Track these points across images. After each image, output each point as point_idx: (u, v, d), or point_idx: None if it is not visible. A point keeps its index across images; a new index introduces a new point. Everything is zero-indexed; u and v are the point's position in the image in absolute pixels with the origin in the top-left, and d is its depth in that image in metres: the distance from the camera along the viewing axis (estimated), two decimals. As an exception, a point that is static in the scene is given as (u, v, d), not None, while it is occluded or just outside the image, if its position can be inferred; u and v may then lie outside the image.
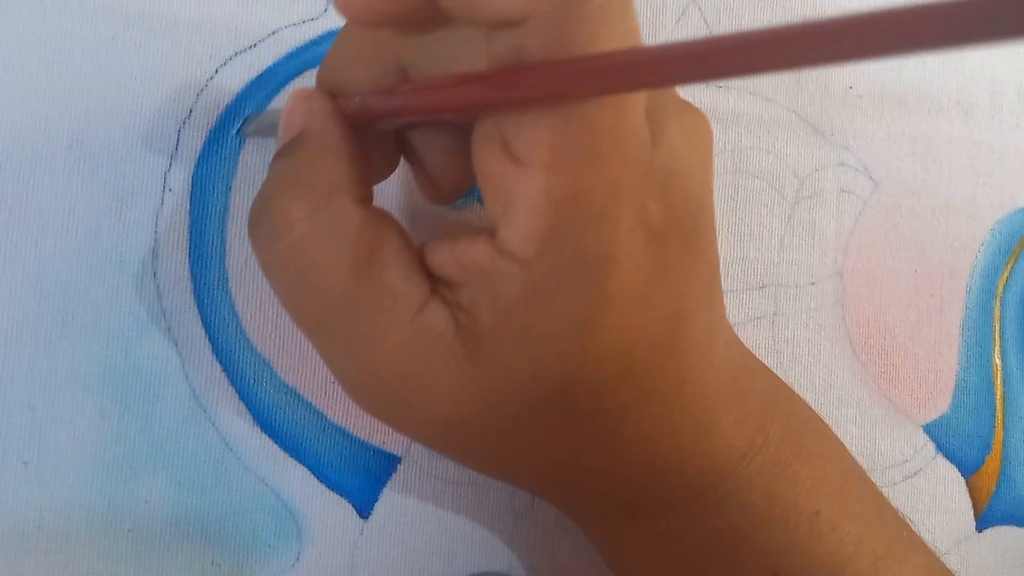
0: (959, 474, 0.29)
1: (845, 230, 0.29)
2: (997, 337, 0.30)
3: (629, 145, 0.16)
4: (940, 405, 0.29)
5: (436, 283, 0.19)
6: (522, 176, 0.16)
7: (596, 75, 0.15)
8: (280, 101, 0.24)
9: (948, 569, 0.23)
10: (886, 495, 0.23)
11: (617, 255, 0.17)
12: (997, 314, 0.30)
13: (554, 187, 0.16)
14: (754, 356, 0.22)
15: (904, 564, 0.21)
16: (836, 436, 0.23)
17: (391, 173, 0.22)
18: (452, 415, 0.19)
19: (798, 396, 0.23)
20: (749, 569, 0.21)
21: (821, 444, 0.22)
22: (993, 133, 0.30)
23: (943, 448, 0.29)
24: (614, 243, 0.17)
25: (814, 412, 0.23)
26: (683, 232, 0.18)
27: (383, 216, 0.19)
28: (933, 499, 0.29)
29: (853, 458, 0.23)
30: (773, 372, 0.23)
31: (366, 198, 0.19)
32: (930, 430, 0.29)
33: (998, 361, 0.30)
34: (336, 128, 0.19)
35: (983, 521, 0.29)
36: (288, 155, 0.19)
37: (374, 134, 0.20)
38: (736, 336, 0.22)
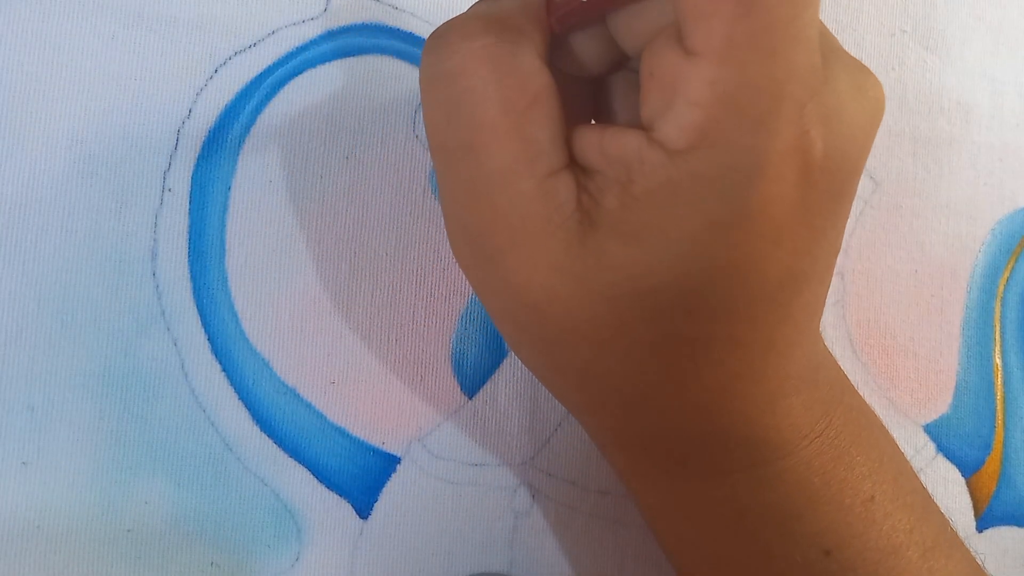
0: (959, 474, 0.29)
1: (845, 230, 0.29)
2: (997, 337, 0.30)
3: (799, 54, 0.17)
4: (940, 405, 0.29)
5: (573, 163, 0.19)
6: (692, 67, 0.16)
7: None
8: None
9: (985, 570, 0.23)
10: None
11: (768, 169, 0.17)
12: (997, 314, 0.30)
13: (721, 78, 0.16)
14: (829, 352, 0.22)
15: (950, 558, 0.21)
16: (890, 434, 0.23)
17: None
18: (544, 292, 0.18)
19: (859, 395, 0.23)
20: (801, 544, 0.21)
21: (877, 437, 0.22)
22: (993, 133, 0.30)
23: (943, 448, 0.29)
24: (768, 154, 0.17)
25: (872, 410, 0.23)
26: (832, 184, 0.18)
27: (552, 83, 0.19)
28: (933, 499, 0.29)
29: (904, 457, 0.23)
30: (840, 368, 0.23)
31: (542, 54, 0.19)
32: (930, 430, 0.29)
33: (998, 361, 0.30)
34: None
35: (983, 521, 0.29)
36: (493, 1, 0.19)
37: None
38: (819, 331, 0.22)
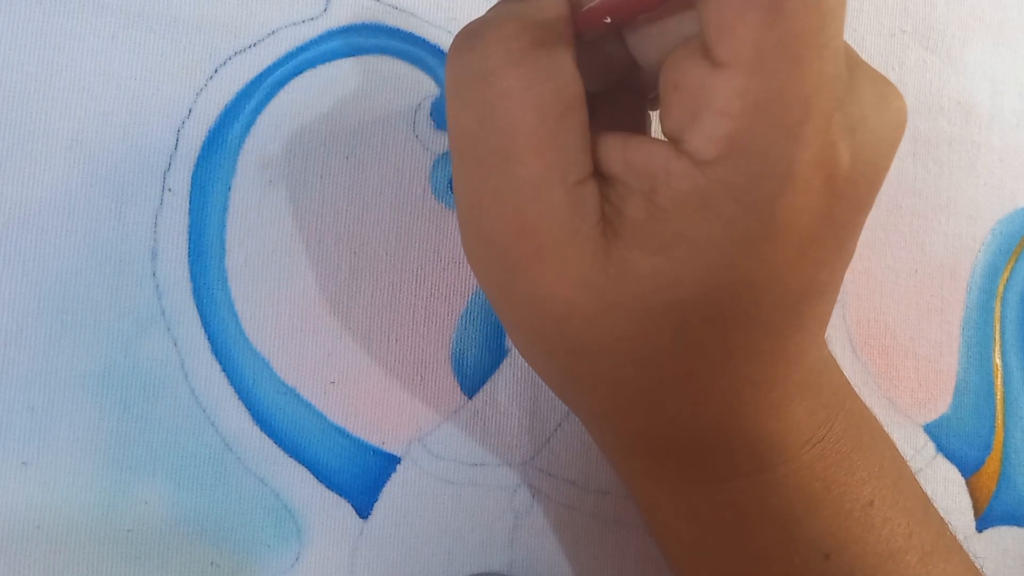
0: (959, 474, 0.29)
1: (845, 230, 0.29)
2: (997, 337, 0.30)
3: (826, 64, 0.17)
4: (940, 405, 0.29)
5: (595, 172, 0.19)
6: (720, 78, 0.16)
7: None
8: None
9: (983, 573, 0.23)
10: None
11: (796, 180, 0.17)
12: (997, 314, 0.30)
13: (750, 88, 0.16)
14: (833, 358, 0.22)
15: (948, 563, 0.22)
16: (891, 439, 0.23)
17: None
18: (565, 303, 0.18)
19: (859, 398, 0.23)
20: (801, 548, 0.21)
21: (878, 442, 0.22)
22: (993, 133, 0.30)
23: (943, 448, 0.29)
24: (796, 165, 0.17)
25: (873, 415, 0.23)
26: (856, 196, 0.18)
27: (581, 86, 0.19)
28: (933, 499, 0.29)
29: (905, 461, 0.23)
30: (843, 373, 0.23)
31: (573, 61, 0.19)
32: (930, 430, 0.29)
33: (998, 361, 0.30)
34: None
35: (983, 521, 0.29)
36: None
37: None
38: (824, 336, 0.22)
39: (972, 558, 0.23)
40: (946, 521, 0.23)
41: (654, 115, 0.23)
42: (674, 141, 0.17)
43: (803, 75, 0.16)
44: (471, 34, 0.18)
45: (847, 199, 0.18)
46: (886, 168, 0.19)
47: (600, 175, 0.19)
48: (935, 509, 0.23)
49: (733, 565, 0.22)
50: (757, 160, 0.17)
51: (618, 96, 0.22)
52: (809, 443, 0.20)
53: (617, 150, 0.18)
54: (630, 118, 0.22)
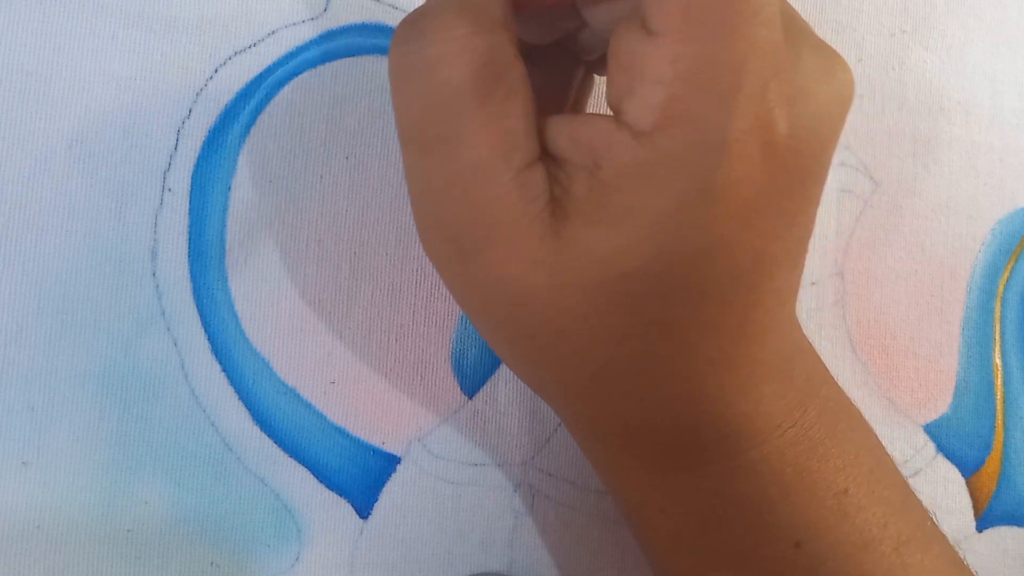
0: (959, 474, 0.29)
1: (845, 230, 0.29)
2: (997, 337, 0.30)
3: (760, 30, 0.17)
4: (940, 405, 0.29)
5: (544, 154, 0.19)
6: (653, 46, 0.17)
7: None
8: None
9: (965, 563, 0.23)
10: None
11: (732, 147, 0.17)
12: (997, 314, 0.30)
13: (682, 55, 0.16)
14: (807, 340, 0.22)
15: (926, 553, 0.21)
16: (871, 428, 0.23)
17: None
18: (520, 285, 0.18)
19: (839, 387, 0.23)
20: (773, 536, 0.21)
21: (855, 431, 0.22)
22: (993, 133, 0.30)
23: (943, 448, 0.29)
24: (731, 132, 0.17)
25: (852, 404, 0.23)
26: (799, 167, 0.18)
27: (526, 74, 0.19)
28: (933, 499, 0.29)
29: (885, 451, 0.23)
30: (820, 360, 0.23)
31: (514, 45, 0.19)
32: (930, 430, 0.29)
33: (998, 361, 0.30)
34: None
35: (983, 521, 0.29)
36: None
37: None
38: (797, 320, 0.22)
39: (957, 550, 0.23)
40: (928, 511, 0.23)
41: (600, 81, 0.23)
42: (616, 113, 0.18)
43: (735, 41, 0.16)
44: (411, 24, 0.19)
45: (789, 169, 0.18)
46: (833, 139, 0.19)
47: (548, 157, 0.19)
48: (916, 499, 0.23)
49: (708, 556, 0.21)
50: (693, 128, 0.17)
51: (552, 55, 0.22)
52: (780, 428, 0.20)
53: (563, 129, 0.18)
54: (561, 78, 0.22)
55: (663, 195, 0.17)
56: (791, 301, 0.21)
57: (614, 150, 0.17)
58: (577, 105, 0.23)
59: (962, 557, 0.23)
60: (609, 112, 0.18)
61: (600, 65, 0.23)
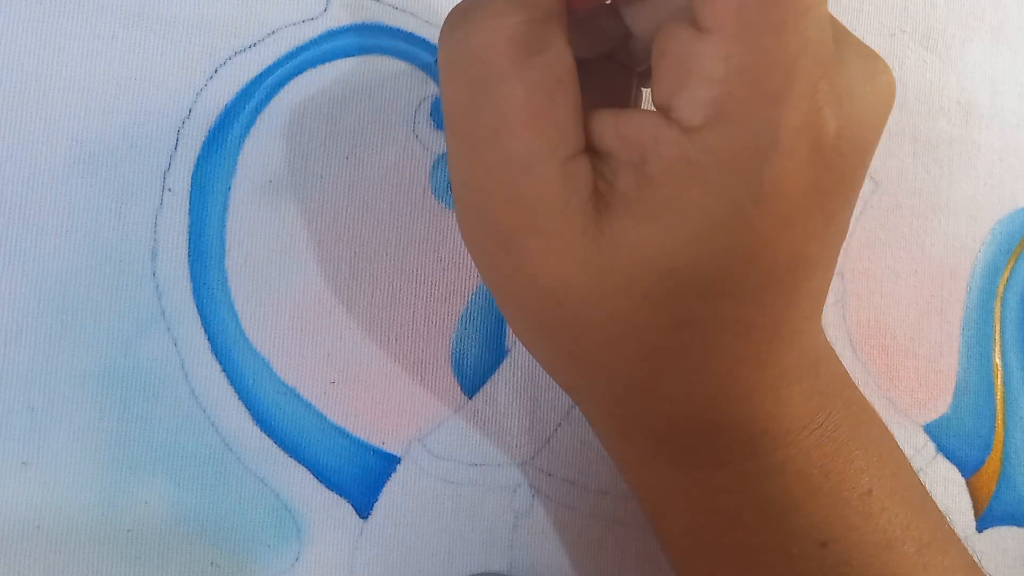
0: (959, 474, 0.29)
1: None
2: (997, 337, 0.30)
3: (810, 29, 0.17)
4: (940, 405, 0.29)
5: (588, 147, 0.19)
6: (705, 44, 0.17)
7: None
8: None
9: (981, 567, 0.23)
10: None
11: (782, 146, 0.17)
12: (997, 314, 0.30)
13: (734, 53, 0.16)
14: (831, 347, 0.22)
15: (946, 555, 0.21)
16: (889, 431, 0.23)
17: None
18: (558, 276, 0.18)
19: (859, 391, 0.23)
20: (799, 535, 0.21)
21: (876, 433, 0.22)
22: (993, 133, 0.30)
23: (943, 448, 0.29)
24: (782, 130, 0.17)
25: (873, 408, 0.23)
26: (844, 167, 0.18)
27: (574, 64, 0.19)
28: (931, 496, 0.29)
29: (903, 452, 0.23)
30: (843, 365, 0.23)
31: (565, 39, 0.19)
32: (930, 430, 0.29)
33: (998, 361, 0.30)
34: None
35: (983, 521, 0.29)
36: None
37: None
38: (821, 324, 0.22)
39: (971, 553, 0.23)
40: (944, 515, 0.23)
41: (645, 91, 0.23)
42: (663, 110, 0.17)
43: (786, 40, 0.16)
44: (462, 12, 0.19)
45: (834, 169, 0.18)
46: (874, 141, 0.19)
47: (593, 150, 0.19)
48: (933, 502, 0.23)
49: (732, 555, 0.22)
50: (742, 126, 0.17)
51: (605, 67, 0.22)
52: (807, 429, 0.20)
53: (609, 124, 0.18)
54: (617, 90, 0.22)
55: (711, 192, 0.17)
56: (822, 303, 0.21)
57: (662, 146, 0.17)
58: (638, 105, 0.23)
59: (978, 560, 0.23)
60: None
61: (646, 78, 0.23)
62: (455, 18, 0.19)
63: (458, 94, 0.19)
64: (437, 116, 0.26)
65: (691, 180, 0.17)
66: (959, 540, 0.23)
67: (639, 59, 0.22)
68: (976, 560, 0.23)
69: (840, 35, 0.18)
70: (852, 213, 0.20)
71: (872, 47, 0.19)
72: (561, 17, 0.19)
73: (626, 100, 0.23)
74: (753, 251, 0.18)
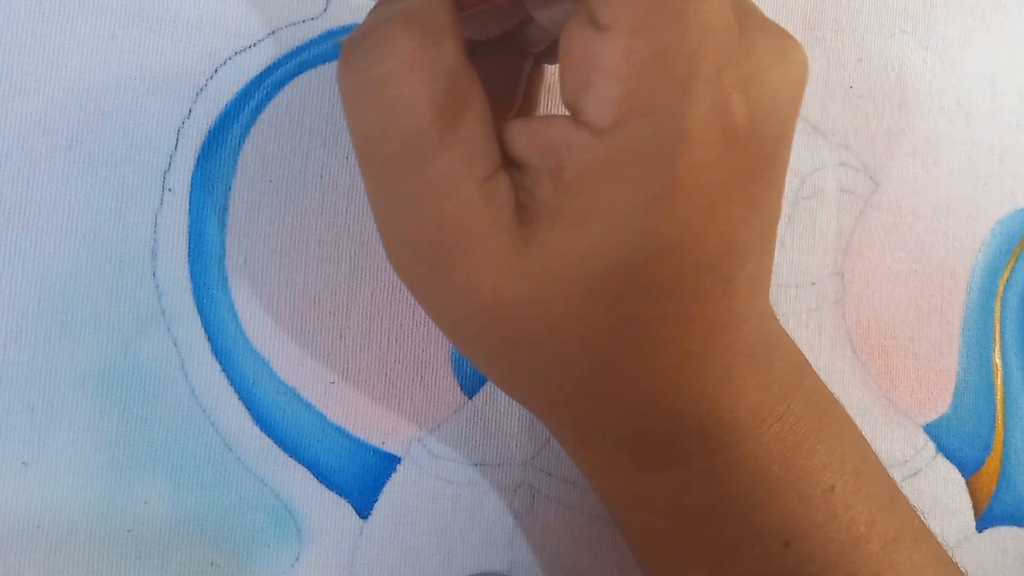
0: (959, 474, 0.29)
1: (845, 230, 0.29)
2: (997, 337, 0.30)
3: (710, 16, 0.17)
4: (940, 405, 0.29)
5: (506, 162, 0.19)
6: (605, 41, 0.17)
7: None
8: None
9: (954, 561, 0.23)
10: (887, 495, 0.23)
11: (691, 135, 0.17)
12: (997, 314, 0.30)
13: (635, 48, 0.16)
14: (787, 335, 0.22)
15: (914, 551, 0.21)
16: (855, 423, 0.23)
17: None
18: (494, 295, 0.18)
19: (822, 382, 0.23)
20: (761, 534, 0.21)
21: (840, 426, 0.22)
22: (993, 133, 0.30)
23: (943, 448, 0.29)
24: (690, 120, 0.17)
25: (836, 399, 0.23)
26: (760, 150, 0.18)
27: (478, 81, 0.19)
28: (933, 499, 0.29)
29: (870, 446, 0.23)
30: (802, 354, 0.23)
31: (463, 52, 0.19)
32: (930, 430, 0.29)
33: (998, 361, 0.30)
34: None
35: (983, 521, 0.29)
36: None
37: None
38: (773, 312, 0.22)
39: (944, 548, 0.23)
40: (916, 509, 0.23)
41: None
42: (573, 112, 0.17)
43: (686, 30, 0.16)
44: (357, 44, 0.18)
45: (752, 153, 0.18)
46: (791, 120, 0.19)
47: (510, 162, 0.19)
48: (903, 496, 0.23)
49: (697, 555, 0.21)
50: (650, 121, 0.17)
51: (498, 49, 0.21)
52: (766, 422, 0.20)
53: (522, 134, 0.18)
54: (510, 73, 0.22)
55: (628, 190, 0.17)
56: (765, 289, 0.21)
57: (575, 150, 0.17)
58: (528, 97, 0.23)
59: (951, 555, 0.23)
60: (565, 110, 0.18)
61: (547, 55, 0.23)
62: (351, 51, 0.18)
63: (366, 126, 0.18)
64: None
65: (608, 181, 0.17)
66: (931, 535, 0.23)
67: (535, 41, 0.21)
68: (951, 555, 0.23)
69: (747, 16, 0.18)
70: (782, 193, 0.20)
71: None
72: (456, 29, 0.18)
73: (519, 82, 0.22)
74: (681, 243, 0.18)
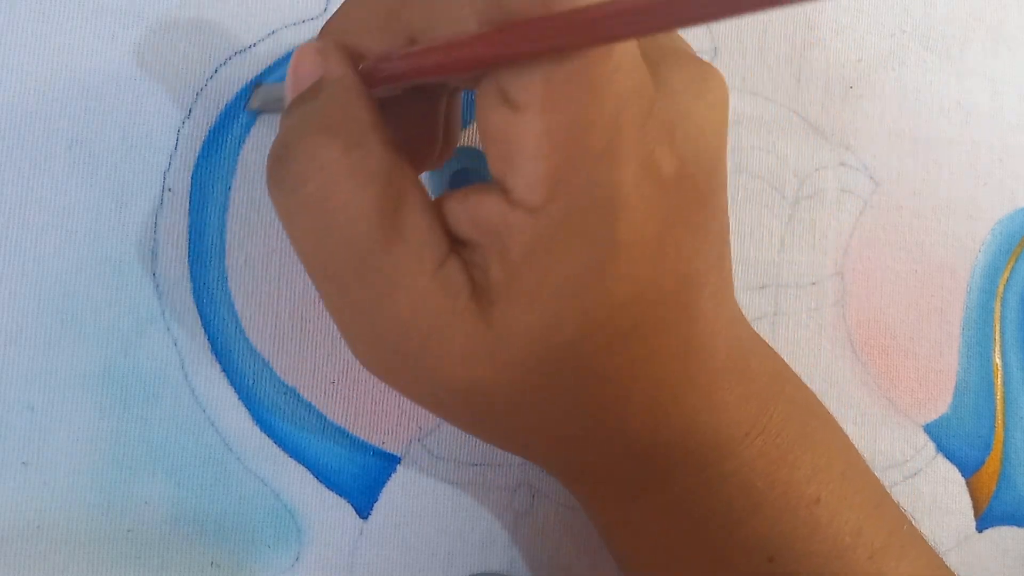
0: (959, 474, 0.29)
1: (845, 230, 0.29)
2: (997, 337, 0.30)
3: (623, 79, 0.16)
4: (940, 405, 0.29)
5: (452, 241, 0.19)
6: (521, 121, 0.16)
7: (577, 28, 0.15)
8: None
9: (946, 566, 0.23)
10: (886, 495, 0.23)
11: (625, 199, 0.17)
12: (997, 314, 0.30)
13: (553, 126, 0.16)
14: (761, 339, 0.22)
15: (902, 559, 0.21)
16: (840, 427, 0.23)
17: (434, 148, 0.22)
18: (465, 378, 0.18)
19: (804, 385, 0.23)
20: (746, 550, 0.21)
21: (824, 432, 0.22)
22: (993, 133, 0.30)
23: (943, 448, 0.29)
24: (620, 186, 0.17)
25: (819, 402, 0.23)
26: (696, 187, 0.18)
27: (406, 165, 0.18)
28: (933, 499, 0.29)
29: (856, 450, 0.23)
30: (780, 357, 0.23)
31: (390, 144, 0.18)
32: (930, 430, 0.29)
33: (998, 361, 0.30)
34: (355, 72, 0.18)
35: (983, 521, 0.29)
36: (310, 100, 0.18)
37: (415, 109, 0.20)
38: (743, 316, 0.22)
39: (935, 552, 0.23)
40: (906, 514, 0.23)
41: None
42: (503, 189, 0.17)
43: (601, 100, 0.16)
44: (281, 160, 0.18)
45: (686, 191, 0.18)
46: (721, 149, 0.19)
47: (458, 243, 0.18)
48: (891, 502, 0.23)
49: (684, 573, 0.21)
50: (581, 194, 0.17)
51: (411, 96, 0.21)
52: (749, 436, 0.20)
53: (462, 214, 0.18)
54: (427, 109, 0.21)
55: (572, 262, 0.17)
56: (729, 297, 0.21)
57: (514, 231, 0.17)
58: (448, 132, 0.22)
59: (945, 557, 0.23)
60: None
61: (465, 81, 0.22)
62: (275, 168, 0.18)
63: (310, 243, 0.18)
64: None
65: (550, 258, 0.17)
66: (921, 540, 0.22)
67: (451, 86, 0.21)
68: (942, 560, 0.23)
69: (659, 57, 0.18)
70: (726, 208, 0.20)
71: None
72: (377, 123, 0.18)
73: (437, 118, 0.22)
74: (636, 296, 0.18)
